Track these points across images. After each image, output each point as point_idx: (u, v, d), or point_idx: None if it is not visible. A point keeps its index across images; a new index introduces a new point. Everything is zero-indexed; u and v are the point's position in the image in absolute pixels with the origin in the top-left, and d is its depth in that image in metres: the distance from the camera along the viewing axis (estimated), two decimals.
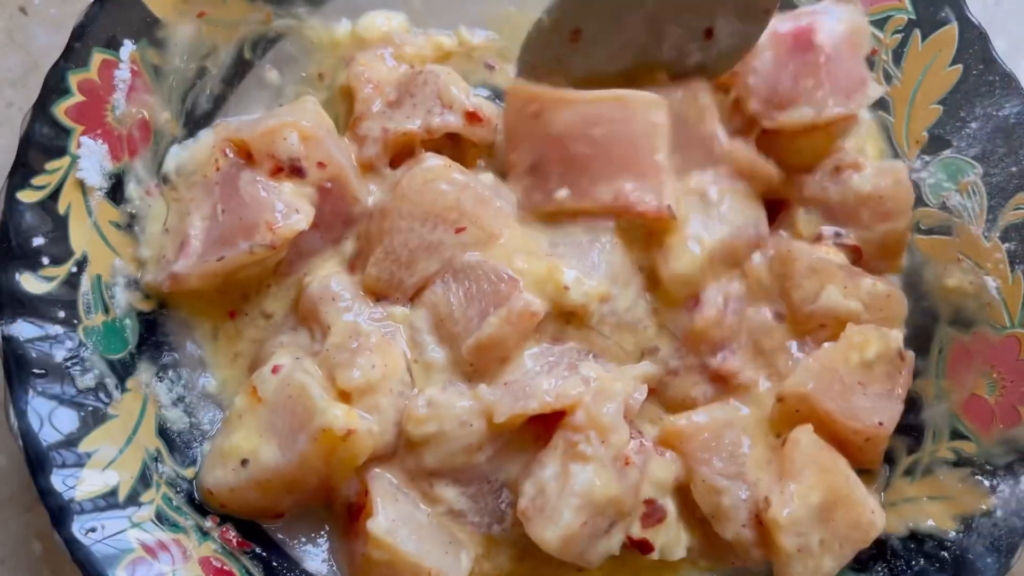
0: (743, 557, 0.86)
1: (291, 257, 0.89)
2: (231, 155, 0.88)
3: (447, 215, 0.86)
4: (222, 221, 0.86)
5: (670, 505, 0.84)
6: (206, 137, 0.90)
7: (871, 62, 0.94)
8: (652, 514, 0.83)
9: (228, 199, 0.86)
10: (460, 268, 0.86)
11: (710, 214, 0.87)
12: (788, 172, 0.90)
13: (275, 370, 0.83)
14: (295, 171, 0.86)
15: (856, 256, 0.90)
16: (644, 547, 0.83)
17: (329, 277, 0.87)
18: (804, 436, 0.84)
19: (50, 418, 0.81)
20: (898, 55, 0.94)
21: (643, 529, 0.83)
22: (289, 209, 0.85)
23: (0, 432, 0.91)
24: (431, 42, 0.95)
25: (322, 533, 0.88)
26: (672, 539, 0.84)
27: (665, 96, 0.87)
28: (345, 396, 0.83)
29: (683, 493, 0.86)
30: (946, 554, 0.85)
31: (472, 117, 0.90)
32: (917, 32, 0.93)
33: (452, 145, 0.92)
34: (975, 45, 0.91)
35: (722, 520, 0.84)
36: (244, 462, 0.82)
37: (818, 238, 0.90)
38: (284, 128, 0.86)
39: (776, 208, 0.92)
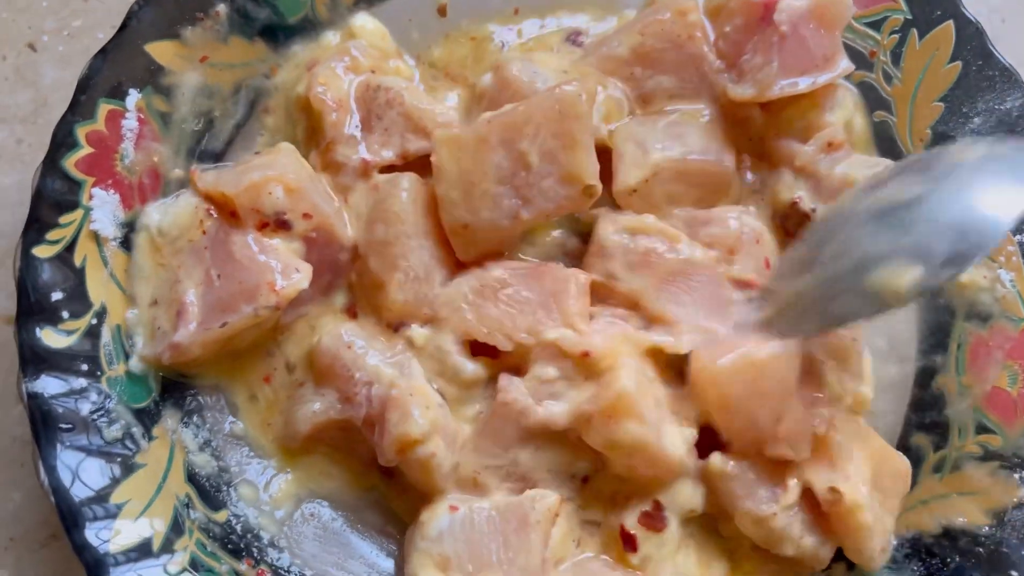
0: (810, 563, 0.86)
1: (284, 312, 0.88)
2: (215, 214, 0.87)
3: None
4: (220, 286, 0.85)
5: (674, 526, 0.84)
6: (186, 198, 0.88)
7: (870, 64, 0.95)
8: (653, 516, 0.84)
9: (222, 263, 0.85)
10: (488, 282, 0.86)
11: (670, 134, 0.89)
12: (779, 133, 0.92)
13: (453, 509, 0.83)
14: (281, 225, 0.86)
15: None
16: (629, 542, 0.83)
17: (339, 329, 0.87)
18: (835, 418, 0.84)
19: (80, 472, 0.81)
20: (896, 55, 0.94)
21: (638, 525, 0.83)
22: (288, 268, 0.85)
23: (12, 469, 0.92)
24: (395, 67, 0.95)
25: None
26: (661, 556, 0.84)
27: (653, 16, 0.90)
28: (405, 448, 0.82)
29: (705, 521, 0.87)
30: (981, 549, 0.85)
31: None
32: (914, 31, 0.93)
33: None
34: (973, 41, 0.92)
35: (779, 541, 0.84)
36: None
37: (792, 204, 0.90)
38: (269, 183, 0.85)
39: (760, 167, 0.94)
